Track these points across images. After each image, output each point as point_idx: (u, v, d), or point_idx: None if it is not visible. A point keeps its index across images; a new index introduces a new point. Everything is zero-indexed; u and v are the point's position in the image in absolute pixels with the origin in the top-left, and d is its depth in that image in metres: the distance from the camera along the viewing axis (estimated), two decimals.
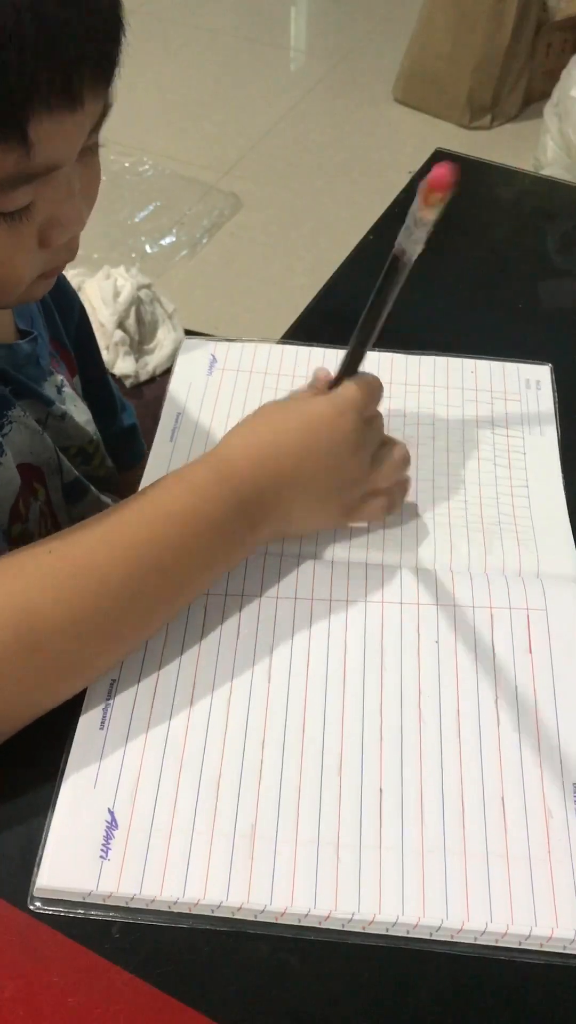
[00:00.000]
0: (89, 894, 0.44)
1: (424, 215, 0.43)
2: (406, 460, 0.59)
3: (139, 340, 1.40)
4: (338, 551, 0.58)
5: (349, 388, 0.55)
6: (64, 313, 0.74)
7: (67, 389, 0.70)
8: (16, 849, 0.46)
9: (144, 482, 0.62)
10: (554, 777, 0.48)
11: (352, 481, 0.56)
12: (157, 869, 0.45)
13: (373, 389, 0.56)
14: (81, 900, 0.45)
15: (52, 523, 0.68)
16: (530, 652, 0.53)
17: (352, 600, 0.55)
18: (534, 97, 2.50)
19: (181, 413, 0.67)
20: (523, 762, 0.49)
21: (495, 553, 0.59)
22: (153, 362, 1.35)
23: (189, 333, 1.24)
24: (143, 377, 1.29)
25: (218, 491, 0.51)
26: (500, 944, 0.44)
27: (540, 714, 0.51)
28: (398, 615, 0.55)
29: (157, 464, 0.64)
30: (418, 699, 0.51)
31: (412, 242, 0.45)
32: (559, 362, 0.72)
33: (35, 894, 0.44)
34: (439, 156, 0.97)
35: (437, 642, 0.53)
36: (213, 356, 0.72)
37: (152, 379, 1.24)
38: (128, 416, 0.89)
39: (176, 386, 0.69)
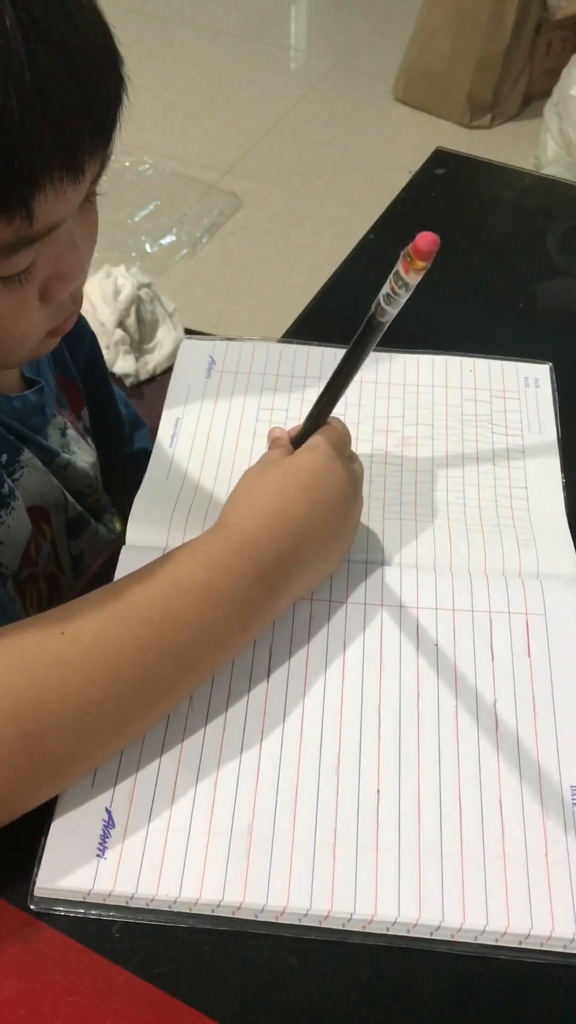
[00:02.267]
0: (89, 893, 0.44)
1: (409, 279, 0.43)
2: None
3: (139, 339, 1.40)
4: None
5: (327, 433, 0.55)
6: (73, 345, 0.73)
7: (71, 431, 0.69)
8: (16, 849, 0.46)
9: (144, 486, 0.62)
10: (552, 780, 0.48)
11: (356, 522, 0.56)
12: (153, 868, 0.45)
13: (345, 432, 0.56)
14: (81, 900, 0.45)
15: (55, 562, 0.68)
16: (529, 656, 0.53)
17: (352, 602, 0.55)
18: (534, 96, 2.50)
19: (180, 419, 0.67)
20: (521, 765, 0.49)
21: (495, 554, 0.59)
22: (153, 361, 1.36)
23: (189, 332, 1.24)
24: (143, 376, 1.29)
25: (237, 564, 0.49)
26: (500, 944, 0.44)
27: (538, 718, 0.51)
28: (397, 618, 0.55)
29: (158, 470, 0.64)
30: (416, 701, 0.51)
31: (391, 304, 0.45)
32: (559, 361, 0.72)
33: (35, 894, 0.45)
34: (439, 155, 0.97)
35: (436, 645, 0.53)
36: (211, 358, 0.71)
37: (152, 378, 1.24)
38: (141, 438, 0.87)
39: (175, 390, 0.69)
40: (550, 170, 2.12)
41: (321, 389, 0.54)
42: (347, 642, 0.53)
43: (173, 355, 1.26)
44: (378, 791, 0.48)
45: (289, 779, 0.48)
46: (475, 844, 0.46)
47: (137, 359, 1.36)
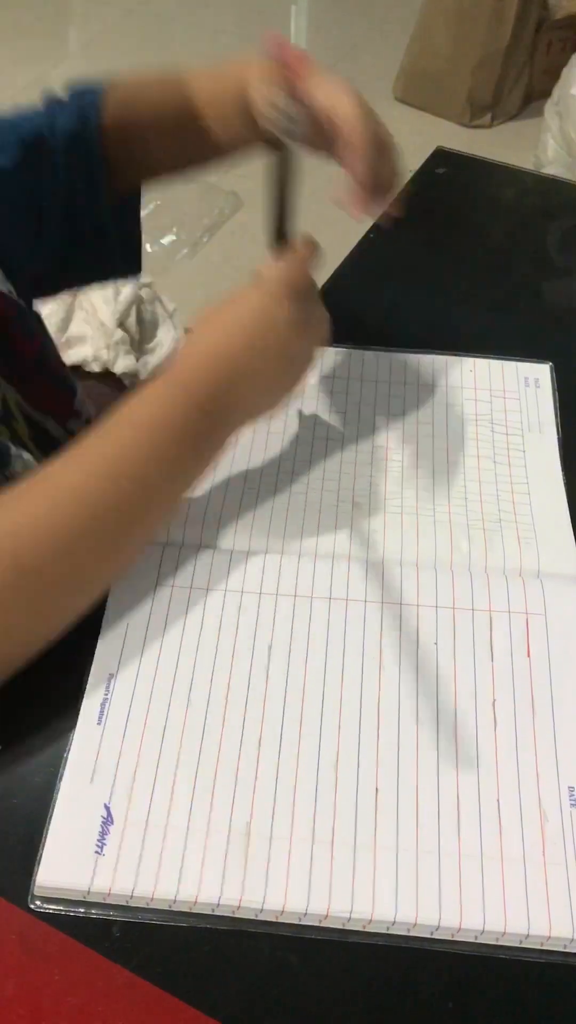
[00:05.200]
0: (88, 892, 0.44)
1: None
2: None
3: (139, 339, 1.40)
4: (339, 545, 0.59)
5: (275, 269, 0.55)
6: None
7: None
8: (17, 848, 0.46)
9: None
10: (550, 780, 0.48)
11: (303, 359, 0.58)
12: (152, 866, 0.45)
13: (300, 261, 0.56)
14: (81, 899, 0.45)
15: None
16: (528, 656, 0.53)
17: (352, 599, 0.55)
18: (535, 95, 2.50)
19: None
20: (519, 765, 0.49)
21: (496, 551, 0.59)
22: (153, 361, 1.35)
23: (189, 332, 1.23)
24: (143, 376, 1.29)
25: (174, 397, 0.52)
26: (500, 943, 0.44)
27: (537, 717, 0.51)
28: (398, 616, 0.55)
29: None
30: (415, 700, 0.51)
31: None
32: (559, 361, 0.72)
33: (35, 892, 0.45)
34: (440, 154, 0.97)
35: (436, 644, 0.53)
36: None
37: None
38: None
39: None
40: (550, 169, 2.12)
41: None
42: (347, 640, 0.53)
43: None
44: (377, 789, 0.48)
45: (288, 777, 0.48)
46: (473, 844, 0.46)
47: (137, 359, 1.36)
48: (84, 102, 0.66)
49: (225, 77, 0.64)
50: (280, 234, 0.56)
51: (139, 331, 1.41)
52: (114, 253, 0.74)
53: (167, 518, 0.55)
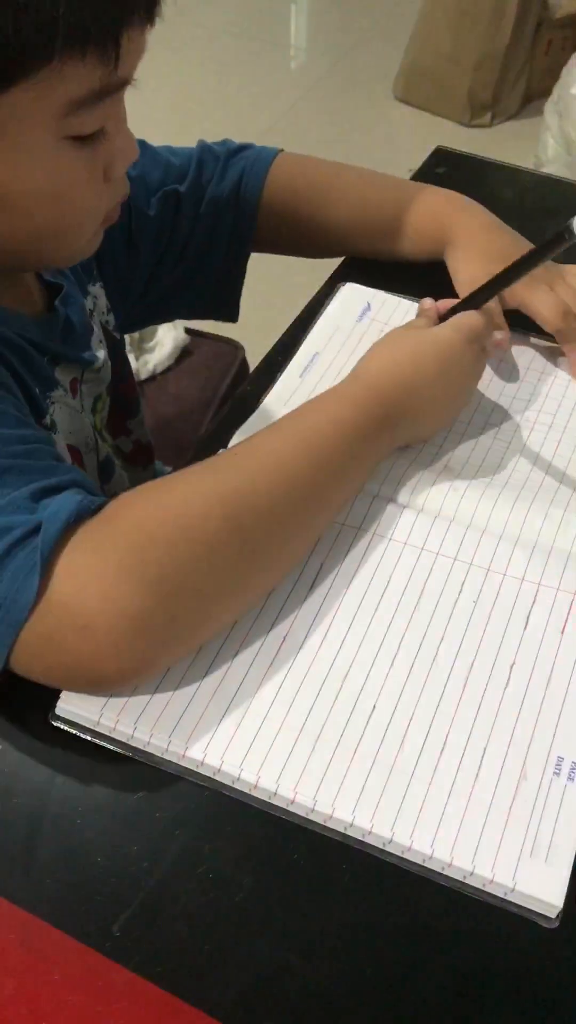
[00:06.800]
0: (98, 723, 0.48)
1: None
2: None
3: (139, 338, 1.40)
4: (402, 494, 0.61)
5: (474, 318, 0.63)
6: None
7: (109, 316, 0.71)
8: (17, 848, 0.46)
9: (258, 412, 0.65)
10: (541, 745, 0.50)
11: (469, 395, 0.65)
12: (155, 709, 0.49)
13: (488, 322, 0.64)
14: (95, 724, 0.48)
15: None
16: (562, 633, 0.54)
17: (411, 544, 0.58)
18: (534, 95, 2.50)
19: (319, 354, 0.69)
20: (516, 724, 0.50)
21: (568, 533, 0.60)
22: (153, 360, 1.35)
23: (189, 331, 1.24)
24: (144, 375, 1.29)
25: (366, 403, 0.57)
26: (446, 872, 0.45)
27: (550, 689, 0.52)
28: (448, 568, 0.57)
29: (278, 398, 0.66)
30: (439, 642, 0.53)
31: None
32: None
33: (57, 712, 0.49)
34: (440, 154, 0.97)
35: (475, 602, 0.55)
36: (368, 304, 0.73)
37: (152, 377, 1.24)
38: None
39: (321, 327, 0.71)
40: (550, 169, 2.12)
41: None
42: (393, 576, 0.56)
43: (173, 354, 1.25)
44: (374, 706, 0.50)
45: (300, 668, 0.51)
46: (446, 775, 0.48)
47: (137, 358, 1.36)
48: (252, 167, 0.76)
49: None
50: (491, 293, 0.63)
51: (139, 330, 1.41)
52: (218, 299, 0.80)
53: (341, 503, 0.58)
